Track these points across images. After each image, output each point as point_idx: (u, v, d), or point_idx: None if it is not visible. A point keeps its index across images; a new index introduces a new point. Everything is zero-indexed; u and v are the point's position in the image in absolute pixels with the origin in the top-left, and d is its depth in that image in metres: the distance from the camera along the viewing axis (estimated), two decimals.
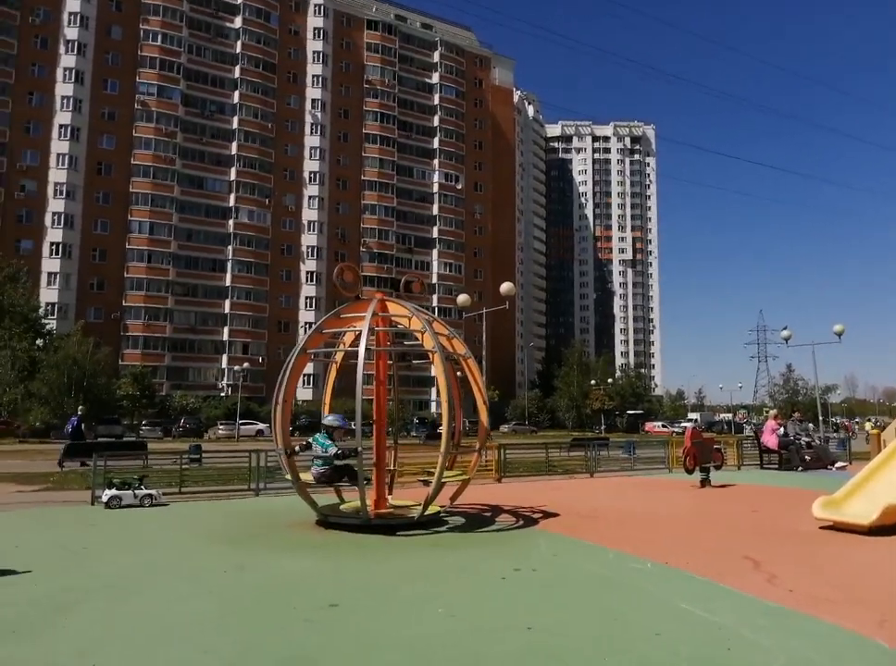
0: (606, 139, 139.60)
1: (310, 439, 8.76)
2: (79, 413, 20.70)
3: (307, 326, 67.54)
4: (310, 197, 75.35)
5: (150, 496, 10.51)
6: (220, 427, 51.45)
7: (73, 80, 64.52)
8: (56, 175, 63.38)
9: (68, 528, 9.06)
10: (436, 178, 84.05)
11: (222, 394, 64.56)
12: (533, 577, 6.10)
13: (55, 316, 58.86)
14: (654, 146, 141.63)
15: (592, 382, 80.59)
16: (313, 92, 76.68)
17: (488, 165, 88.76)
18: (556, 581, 6.04)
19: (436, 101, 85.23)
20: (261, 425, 51.48)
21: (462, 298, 22.50)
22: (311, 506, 8.79)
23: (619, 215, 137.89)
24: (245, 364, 59.21)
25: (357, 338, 10.07)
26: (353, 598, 5.45)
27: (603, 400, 78.79)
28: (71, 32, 65.24)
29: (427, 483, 9.05)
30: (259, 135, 72.59)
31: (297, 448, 8.62)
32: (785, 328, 31.35)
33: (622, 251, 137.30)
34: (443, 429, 8.59)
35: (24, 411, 45.35)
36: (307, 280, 74.26)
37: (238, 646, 4.36)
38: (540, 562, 6.69)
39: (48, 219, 62.68)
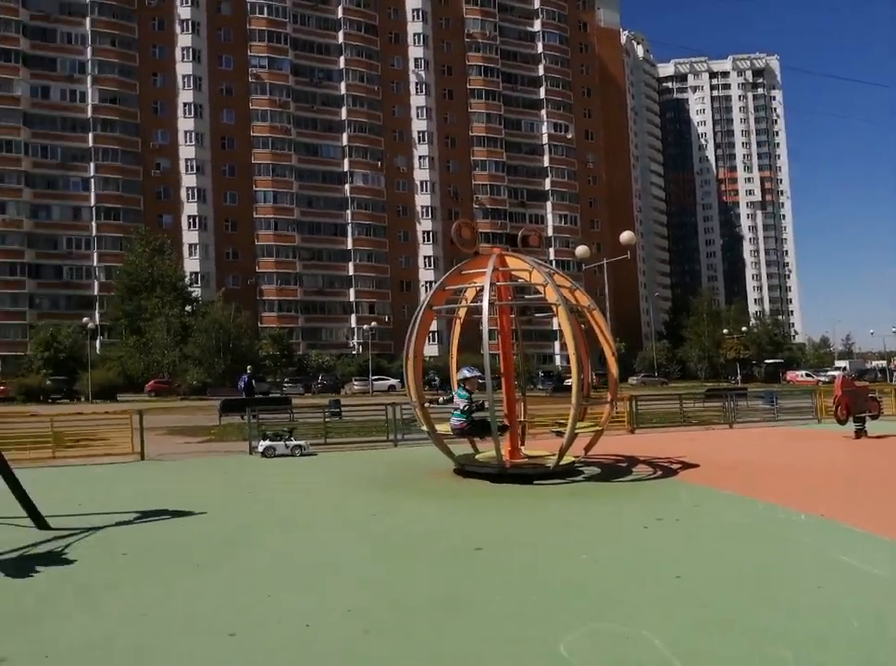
0: (725, 74, 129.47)
1: (453, 393, 9.05)
2: (248, 370, 22.26)
3: (427, 285, 68.50)
4: (420, 157, 75.69)
5: (300, 446, 11.32)
6: (355, 383, 54.09)
7: (191, 58, 67.69)
8: (186, 151, 67.18)
9: (232, 474, 9.93)
10: (545, 129, 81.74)
11: (353, 352, 67.41)
12: (677, 527, 6.05)
13: (199, 285, 63.36)
14: (779, 78, 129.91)
15: (724, 331, 76.80)
16: (415, 51, 76.29)
17: (598, 111, 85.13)
18: (702, 531, 5.95)
19: (539, 49, 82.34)
20: (392, 381, 53.38)
21: (580, 249, 22.04)
22: (448, 456, 9.12)
23: (744, 155, 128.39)
24: (373, 323, 61.31)
25: (479, 293, 10.19)
26: (496, 543, 5.65)
27: (738, 349, 74.95)
28: (185, 12, 68.11)
29: (559, 434, 9.11)
30: (367, 99, 73.35)
31: (441, 400, 8.97)
32: None
33: (749, 193, 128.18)
34: (573, 381, 8.58)
35: (181, 371, 49.62)
36: (424, 240, 75.17)
37: (394, 582, 4.66)
38: (682, 512, 6.60)
39: (183, 194, 66.94)
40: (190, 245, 66.29)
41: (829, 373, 58.74)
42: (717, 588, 4.36)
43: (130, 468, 10.63)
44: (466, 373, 8.93)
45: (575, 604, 4.14)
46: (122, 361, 50.56)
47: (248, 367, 24.13)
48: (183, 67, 67.45)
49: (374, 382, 52.68)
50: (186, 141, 66.97)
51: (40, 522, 6.17)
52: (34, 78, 62.74)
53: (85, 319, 49.57)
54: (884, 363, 77.81)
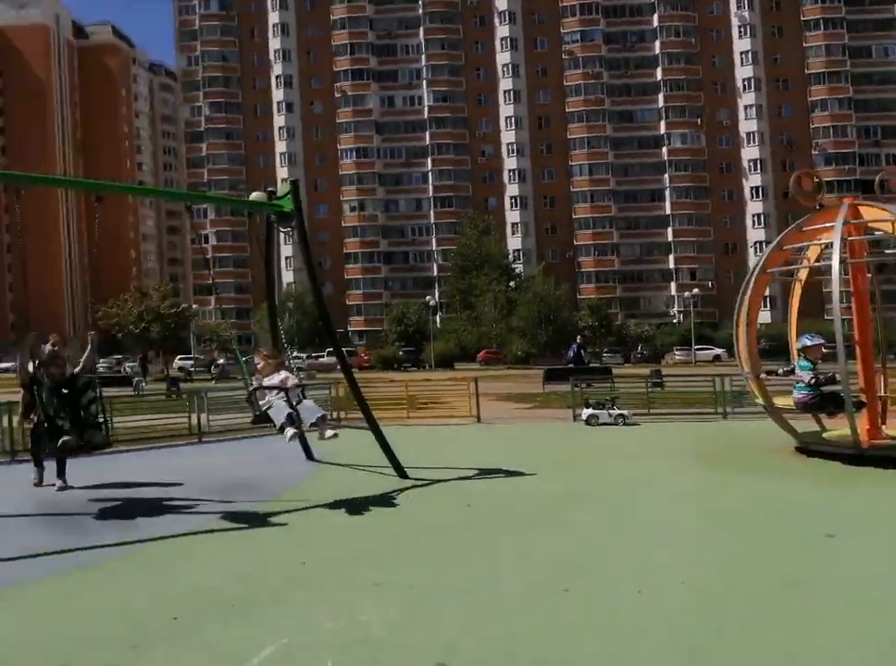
0: None
1: (793, 364, 8.23)
2: (577, 340, 22.67)
3: (757, 246, 62.66)
4: (746, 107, 68.70)
5: (622, 416, 11.35)
6: (676, 353, 52.11)
7: (509, 47, 70.11)
8: (507, 136, 70.93)
9: (559, 440, 10.42)
10: None
11: (674, 321, 65.00)
12: None
13: (521, 261, 66.90)
14: None
15: None
16: None
17: None
18: None
19: None
20: (718, 350, 50.18)
21: None
22: (790, 432, 8.32)
23: None
24: (694, 290, 58.11)
25: (822, 252, 8.99)
26: (853, 532, 5.03)
27: None
28: (501, 3, 70.47)
29: None
30: (683, 54, 68.81)
31: (781, 371, 8.27)
32: None
33: None
34: None
35: (508, 342, 53.32)
36: (752, 197, 68.50)
37: (730, 560, 4.45)
38: None
39: (505, 176, 71.01)
40: (512, 224, 70.07)
41: None
42: None
43: (468, 429, 11.73)
44: (806, 341, 8.00)
45: None
46: (457, 333, 55.95)
47: (577, 337, 24.26)
48: (502, 57, 71.01)
49: (697, 352, 49.99)
50: (507, 127, 70.70)
51: (400, 471, 7.23)
52: (382, 90, 71.74)
53: (427, 297, 56.01)
54: None
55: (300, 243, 7.82)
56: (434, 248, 69.86)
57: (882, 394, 8.47)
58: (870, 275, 8.72)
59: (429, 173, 70.63)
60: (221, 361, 36.45)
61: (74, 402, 5.90)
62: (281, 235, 8.36)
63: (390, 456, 7.29)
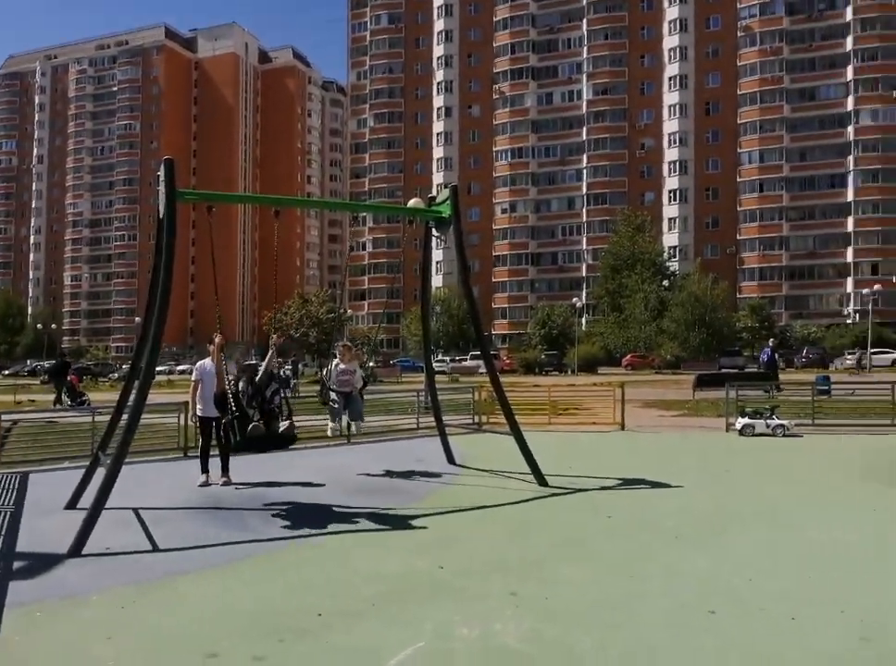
0: None
1: None
2: (770, 343, 21.42)
3: None
4: None
5: (782, 426, 10.55)
6: (848, 357, 47.20)
7: (678, 29, 67.34)
8: (669, 126, 67.86)
9: (708, 451, 9.88)
10: None
11: (848, 321, 59.03)
12: None
13: (676, 258, 63.84)
14: None
15: None
16: None
17: None
18: None
19: None
20: None
21: None
22: None
23: None
24: (876, 287, 52.33)
25: None
26: None
27: None
28: None
29: None
30: (880, 18, 61.89)
31: None
32: None
33: None
34: None
35: (657, 345, 50.97)
36: None
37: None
38: None
39: (665, 169, 67.97)
40: (669, 219, 67.11)
41: None
42: None
43: (612, 437, 11.44)
44: None
45: None
46: (603, 336, 54.40)
47: (770, 339, 22.87)
48: (670, 41, 68.04)
49: (872, 355, 44.87)
50: (670, 116, 67.84)
51: (541, 479, 7.23)
52: (540, 88, 71.51)
53: (574, 299, 54.99)
54: None
55: (456, 248, 7.98)
56: (584, 247, 68.66)
57: None
58: None
59: (584, 170, 69.49)
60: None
61: (260, 395, 6.49)
62: (434, 240, 8.60)
63: (530, 462, 7.31)
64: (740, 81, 65.42)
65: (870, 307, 49.35)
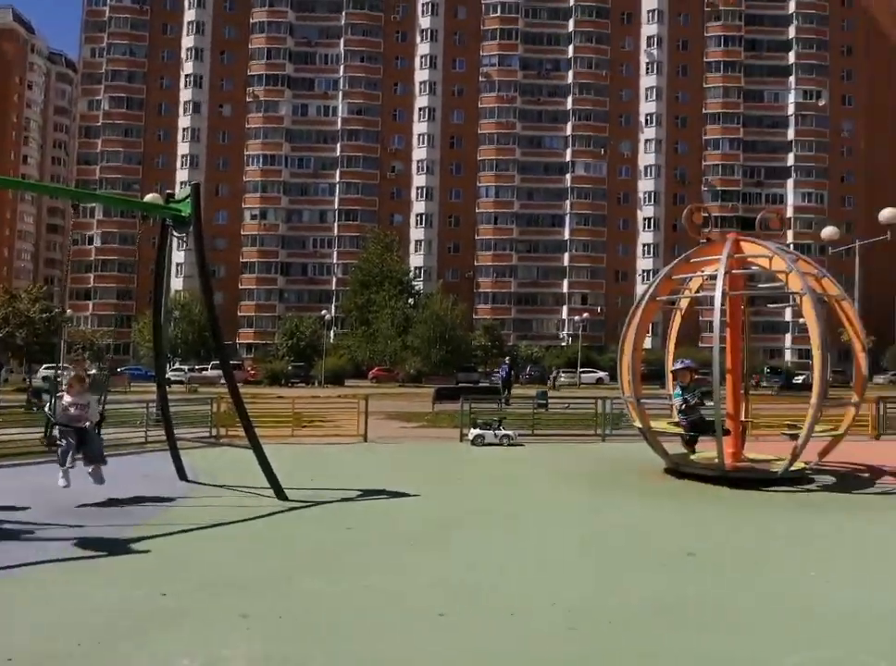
0: None
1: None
2: (506, 361, 23.81)
3: (644, 274, 65.86)
4: (646, 141, 72.66)
5: (508, 436, 11.52)
6: (562, 375, 53.72)
7: (428, 65, 71.67)
8: (418, 153, 71.64)
9: (444, 460, 10.43)
10: (791, 98, 73.91)
11: (563, 343, 67.20)
12: None
13: (421, 278, 67.30)
14: None
15: None
16: (648, 29, 73.09)
17: (860, 72, 74.78)
18: None
19: (791, 9, 74.38)
20: (601, 373, 52.40)
21: (827, 231, 19.82)
22: (661, 455, 8.73)
23: None
24: (585, 315, 60.46)
25: (704, 283, 9.58)
26: (711, 550, 5.31)
27: None
28: (425, 21, 72.23)
29: (793, 437, 8.29)
30: (594, 85, 72.08)
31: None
32: None
33: None
34: (816, 378, 7.77)
35: (401, 360, 53.14)
36: (644, 227, 72.26)
37: (601, 581, 4.58)
38: None
39: (413, 194, 71.53)
40: (416, 241, 70.47)
41: None
42: None
43: (355, 449, 11.52)
44: (677, 364, 8.58)
45: (798, 624, 3.77)
46: (351, 349, 55.28)
47: (507, 357, 25.20)
48: (421, 75, 71.78)
49: (581, 374, 51.91)
50: (419, 144, 71.32)
51: (280, 493, 6.99)
52: (296, 97, 70.69)
53: (323, 312, 55.12)
54: None
55: (196, 250, 7.46)
56: (335, 261, 69.10)
57: (744, 419, 9.07)
58: (744, 307, 9.33)
59: (337, 185, 70.05)
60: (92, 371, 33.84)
61: None
62: (174, 240, 7.98)
63: (269, 476, 7.03)
64: (481, 122, 71.47)
65: (580, 332, 56.67)
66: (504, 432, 11.56)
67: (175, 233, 7.69)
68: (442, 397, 19.01)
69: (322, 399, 17.22)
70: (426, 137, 70.84)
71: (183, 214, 7.37)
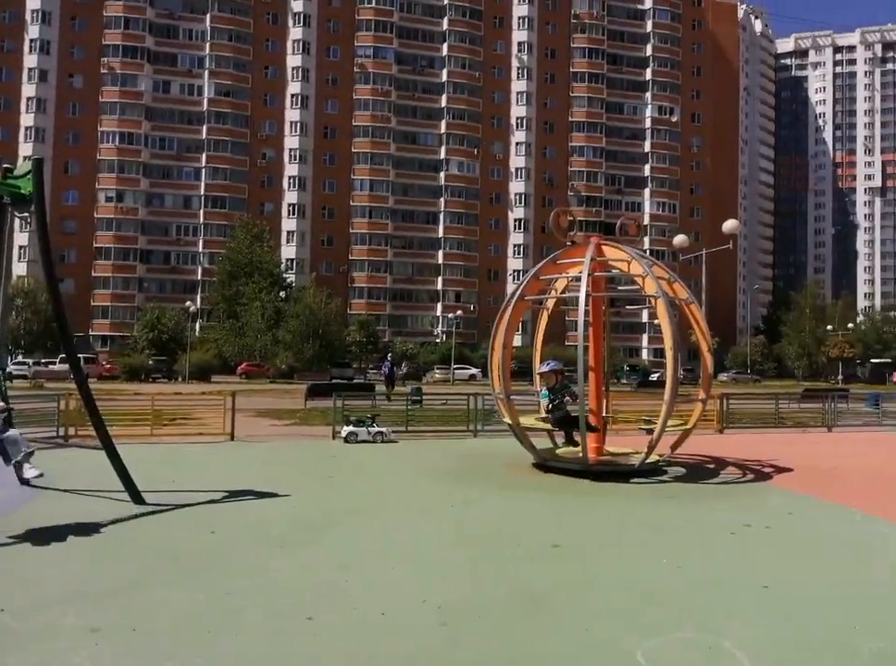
0: (851, 49, 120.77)
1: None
2: (389, 358, 24.15)
3: (515, 274, 68.02)
4: (517, 144, 75.04)
5: (381, 433, 11.48)
6: (437, 372, 54.45)
7: (301, 51, 69.80)
8: (290, 141, 69.64)
9: (316, 459, 10.22)
10: (648, 112, 79.10)
11: (437, 340, 68.07)
12: (767, 535, 5.75)
13: (294, 271, 65.63)
14: None
15: (829, 328, 72.38)
16: (519, 35, 75.44)
17: (707, 92, 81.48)
18: (794, 541, 5.63)
19: (649, 28, 79.50)
20: (474, 370, 53.60)
21: (679, 239, 21.28)
22: (529, 449, 9.03)
23: (866, 137, 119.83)
24: (458, 312, 61.61)
25: (569, 284, 10.00)
26: (574, 541, 5.55)
27: (843, 347, 70.48)
28: (297, 5, 70.29)
29: (648, 431, 8.85)
30: (467, 86, 73.37)
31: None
32: None
33: (868, 177, 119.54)
34: (669, 376, 8.33)
35: (272, 355, 51.56)
36: (515, 228, 74.67)
37: (471, 575, 4.66)
38: (773, 519, 6.27)
39: (285, 183, 69.47)
40: (288, 232, 68.62)
41: None
42: (807, 601, 4.13)
43: (221, 448, 11.06)
44: (543, 367, 8.94)
45: (654, 609, 4.01)
46: (218, 343, 52.96)
47: (389, 354, 25.56)
48: (293, 60, 69.64)
49: (455, 371, 52.88)
50: (291, 132, 69.30)
51: (136, 496, 6.54)
52: (157, 73, 66.44)
53: (188, 303, 52.32)
54: None
55: (38, 232, 6.78)
56: (201, 250, 65.92)
57: (605, 415, 9.58)
58: (605, 308, 9.83)
59: (203, 169, 66.72)
60: None
61: None
62: (17, 221, 7.21)
63: (124, 478, 6.55)
64: (355, 113, 70.74)
65: (454, 329, 57.63)
66: (377, 429, 11.50)
67: (17, 213, 6.98)
68: (315, 393, 18.67)
69: (185, 395, 16.33)
70: (299, 125, 69.10)
71: (23, 191, 6.70)
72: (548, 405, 8.79)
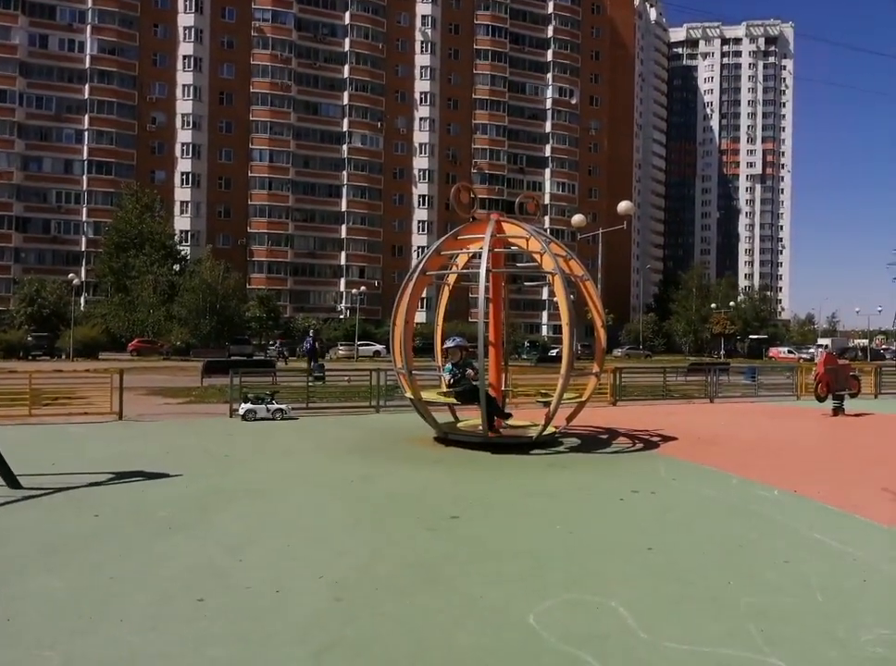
0: (737, 41, 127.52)
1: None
2: (311, 334, 24.03)
3: (420, 250, 68.06)
4: (421, 119, 74.57)
5: (281, 410, 11.25)
6: (340, 348, 53.84)
7: (193, 9, 66.04)
8: (183, 106, 66.05)
9: (211, 437, 9.88)
10: (549, 93, 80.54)
11: (341, 316, 67.24)
12: (652, 500, 6.07)
13: (188, 243, 62.74)
14: (792, 47, 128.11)
15: (713, 306, 77.12)
16: (423, 8, 74.61)
17: (605, 76, 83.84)
18: (677, 505, 5.98)
19: (550, 9, 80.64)
20: (378, 346, 53.39)
21: (577, 218, 21.86)
22: (431, 424, 9.10)
23: (749, 126, 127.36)
24: (362, 288, 61.03)
25: (470, 260, 10.09)
26: (472, 511, 5.65)
27: (724, 324, 75.39)
28: None
29: (546, 404, 9.11)
30: (370, 57, 71.94)
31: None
32: None
33: (750, 165, 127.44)
34: (564, 351, 8.56)
35: (166, 331, 49.30)
36: (419, 204, 74.48)
37: (369, 549, 4.65)
38: (659, 485, 6.63)
39: (178, 149, 65.92)
40: (181, 202, 65.45)
41: (811, 350, 59.37)
42: (687, 561, 4.38)
43: (108, 428, 10.54)
44: (448, 343, 9.03)
45: (546, 574, 4.14)
46: (106, 319, 50.13)
47: (311, 331, 25.36)
48: (185, 19, 65.79)
49: (359, 347, 52.51)
50: (184, 96, 65.67)
51: (11, 480, 6.11)
52: (33, 26, 61.14)
53: (71, 275, 48.90)
54: (866, 341, 78.45)
55: None
56: (85, 219, 61.88)
57: (504, 388, 9.78)
58: (504, 284, 9.98)
59: (86, 132, 62.34)
60: None
61: None
62: None
63: None
64: (253, 79, 68.01)
65: (358, 305, 57.09)
66: (276, 406, 11.26)
67: None
68: (212, 370, 18.02)
69: (68, 373, 15.33)
70: (192, 88, 65.60)
71: None
72: (450, 380, 8.87)
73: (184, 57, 65.82)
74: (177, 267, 53.27)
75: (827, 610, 3.60)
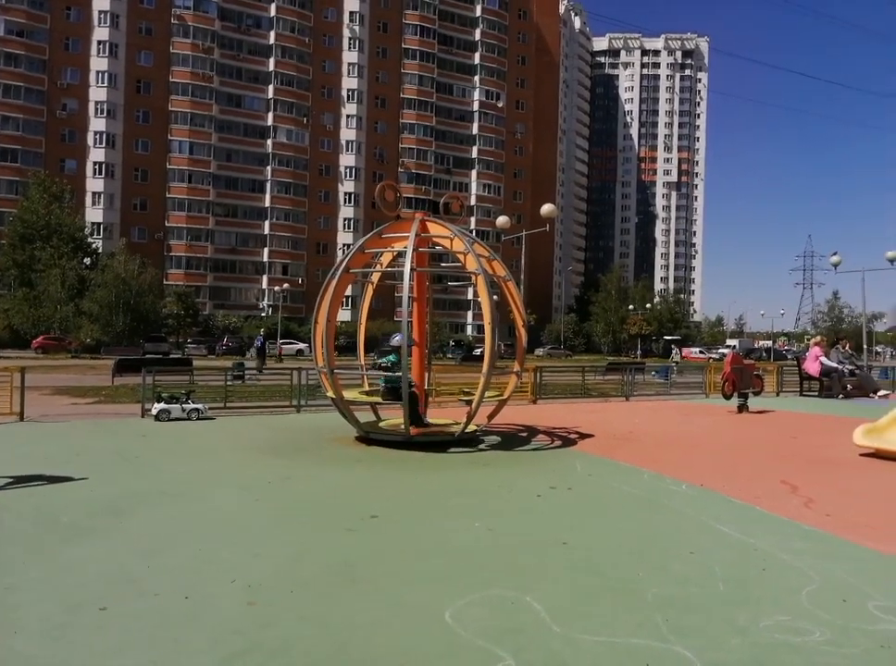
0: (657, 53, 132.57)
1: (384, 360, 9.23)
2: (261, 333, 24.68)
3: (345, 247, 67.44)
4: (348, 116, 73.93)
5: (197, 410, 10.89)
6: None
7: None
8: (97, 93, 63.18)
9: (121, 438, 9.46)
10: (476, 95, 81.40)
11: (263, 314, 65.81)
12: (569, 496, 6.21)
13: (100, 236, 59.96)
14: (707, 61, 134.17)
15: (630, 307, 79.85)
16: (351, 4, 73.96)
17: (531, 81, 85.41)
18: (592, 500, 6.14)
19: (478, 12, 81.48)
20: (301, 345, 52.56)
21: (501, 220, 22.17)
22: (353, 423, 9.02)
23: (665, 135, 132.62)
24: (285, 285, 59.89)
25: (394, 258, 10.08)
26: (392, 511, 5.64)
27: (641, 325, 78.21)
28: None
29: (468, 402, 9.19)
30: (296, 51, 70.76)
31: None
32: (835, 254, 30.35)
33: (667, 173, 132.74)
34: (486, 350, 8.65)
35: (75, 328, 46.94)
36: (345, 201, 73.80)
37: (286, 551, 4.56)
38: (575, 482, 6.79)
39: (90, 139, 62.95)
40: (94, 193, 62.52)
41: (720, 351, 62.42)
42: (601, 554, 4.51)
43: (7, 429, 9.95)
44: (393, 340, 9.18)
45: (464, 572, 4.16)
46: (9, 314, 47.38)
47: (262, 329, 26.23)
48: (100, 2, 62.94)
49: (282, 346, 51.57)
50: (98, 82, 62.71)
51: None
52: None
53: None
54: (770, 342, 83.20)
55: None
56: None
57: (427, 387, 9.81)
58: (429, 283, 10.01)
59: None
60: None
61: None
62: None
63: None
64: (173, 69, 65.81)
65: (280, 303, 56.02)
66: (192, 406, 10.90)
67: None
68: (124, 369, 17.27)
69: None
70: (106, 75, 62.83)
71: None
72: (387, 365, 8.92)
73: (99, 42, 62.96)
74: (87, 261, 50.82)
75: (730, 599, 3.77)
